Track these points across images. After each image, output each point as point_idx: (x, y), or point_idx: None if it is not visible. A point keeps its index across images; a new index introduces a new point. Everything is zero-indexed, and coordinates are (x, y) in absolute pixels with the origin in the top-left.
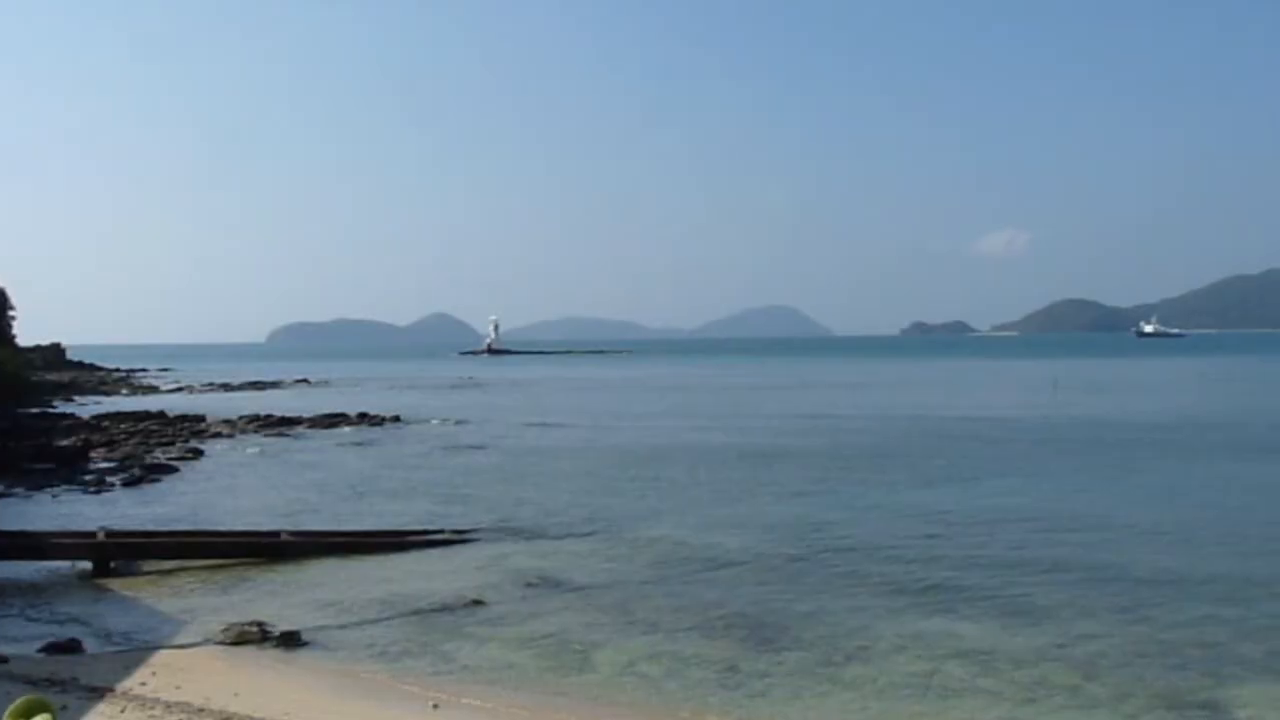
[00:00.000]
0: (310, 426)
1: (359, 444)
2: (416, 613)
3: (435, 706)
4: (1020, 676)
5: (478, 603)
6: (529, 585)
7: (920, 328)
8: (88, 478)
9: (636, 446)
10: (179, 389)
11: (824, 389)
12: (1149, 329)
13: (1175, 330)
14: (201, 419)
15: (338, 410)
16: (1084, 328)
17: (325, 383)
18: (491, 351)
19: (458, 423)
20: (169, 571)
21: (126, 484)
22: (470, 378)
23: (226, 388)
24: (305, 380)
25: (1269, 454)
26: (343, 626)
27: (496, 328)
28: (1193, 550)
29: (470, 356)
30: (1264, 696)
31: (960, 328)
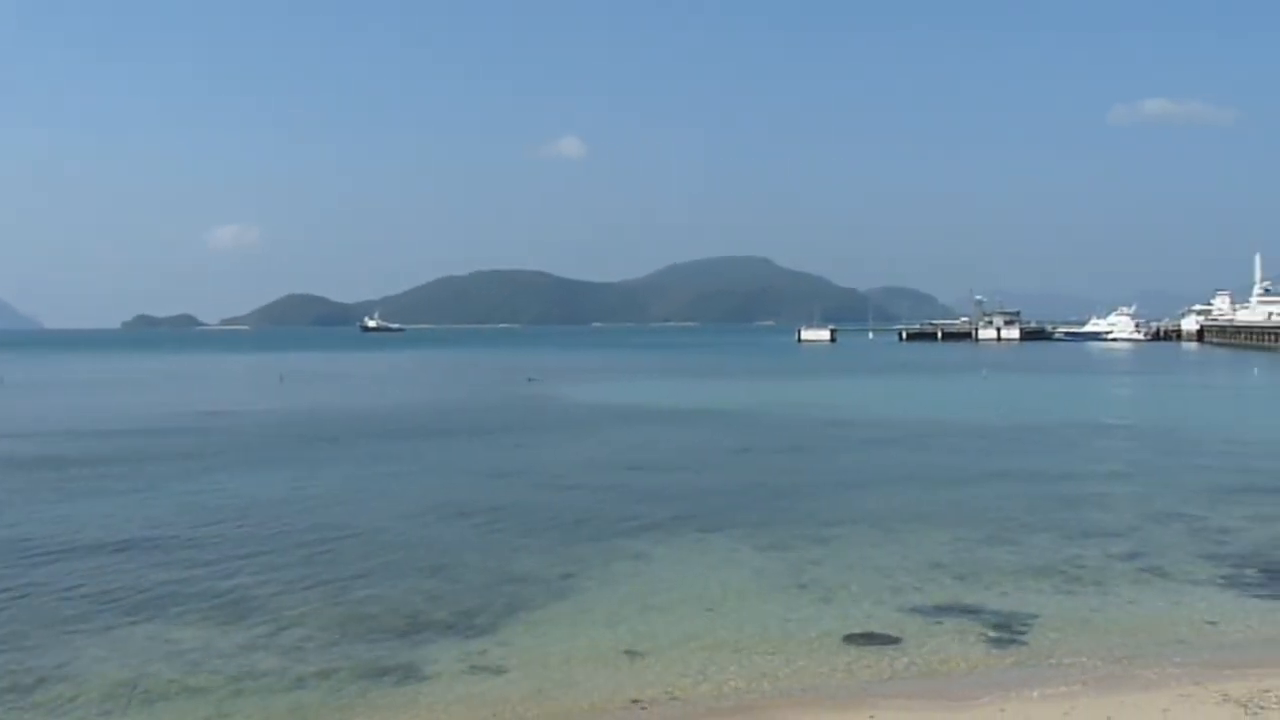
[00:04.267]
0: None
1: None
2: None
3: None
4: (230, 669)
5: None
6: None
7: (145, 320)
8: None
9: None
10: None
11: (39, 388)
12: (372, 324)
13: (396, 325)
14: None
15: None
16: (313, 322)
17: None
18: None
19: None
20: None
21: None
22: None
23: None
24: None
25: (466, 435)
26: None
27: None
28: (404, 521)
29: None
30: (452, 652)
31: (188, 321)
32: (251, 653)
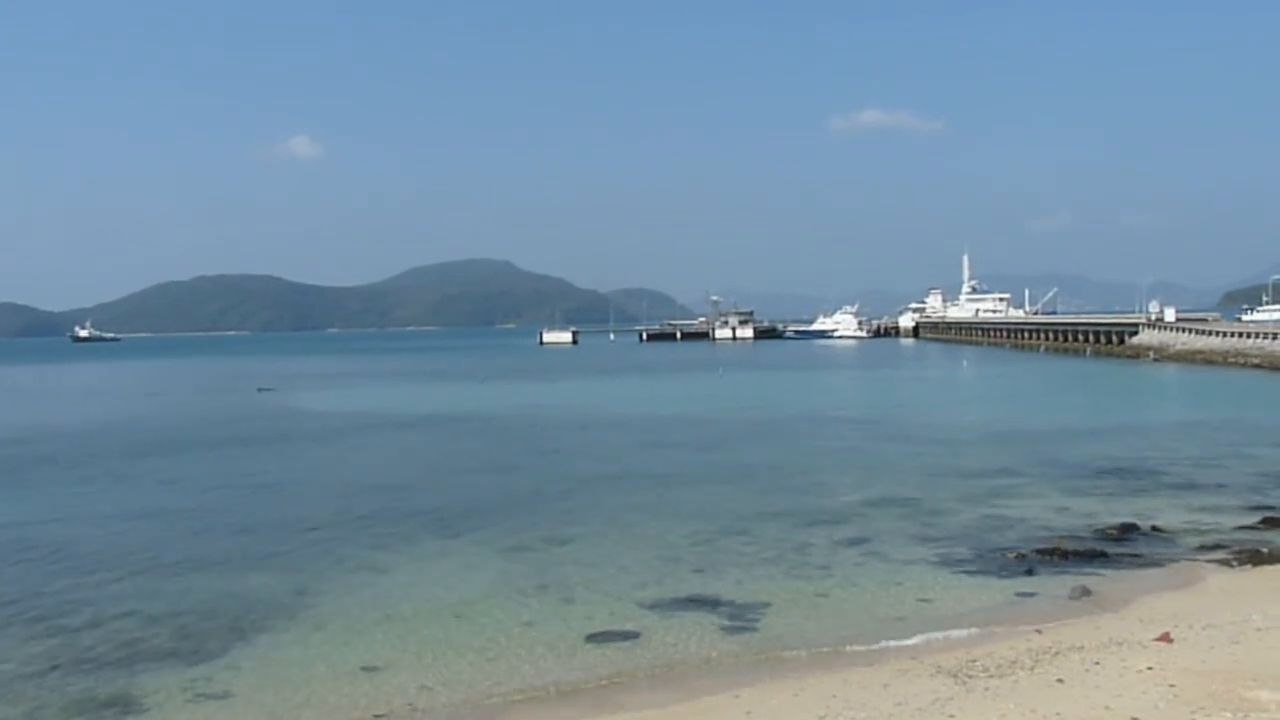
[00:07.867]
0: None
1: None
2: None
3: None
4: None
5: None
6: None
7: None
8: None
9: None
10: None
11: None
12: (84, 333)
13: (111, 334)
14: None
15: None
16: (18, 333)
17: None
18: None
19: None
20: None
21: None
22: None
23: None
24: None
25: (189, 450)
26: None
27: None
28: (121, 544)
29: None
30: (174, 679)
31: None
32: None
